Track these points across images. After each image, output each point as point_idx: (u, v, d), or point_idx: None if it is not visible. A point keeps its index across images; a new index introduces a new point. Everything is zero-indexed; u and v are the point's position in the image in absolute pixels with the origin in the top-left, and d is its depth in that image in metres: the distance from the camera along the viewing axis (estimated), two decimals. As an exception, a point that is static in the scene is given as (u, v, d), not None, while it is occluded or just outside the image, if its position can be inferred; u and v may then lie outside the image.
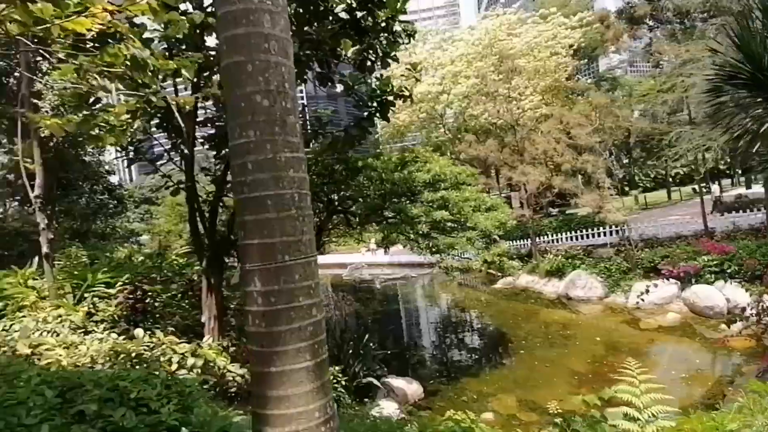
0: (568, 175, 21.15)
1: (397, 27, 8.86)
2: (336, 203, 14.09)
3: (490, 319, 18.69)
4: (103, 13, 3.60)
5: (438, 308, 23.08)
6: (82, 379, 2.89)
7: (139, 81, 4.12)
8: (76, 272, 12.01)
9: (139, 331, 6.91)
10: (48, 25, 3.40)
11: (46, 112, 12.76)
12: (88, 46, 4.07)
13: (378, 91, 8.90)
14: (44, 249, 10.64)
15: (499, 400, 10.37)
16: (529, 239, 22.86)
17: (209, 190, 10.36)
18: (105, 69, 3.87)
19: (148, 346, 6.96)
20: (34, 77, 9.69)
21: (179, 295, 11.60)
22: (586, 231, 22.18)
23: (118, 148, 8.94)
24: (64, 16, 3.47)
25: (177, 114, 9.07)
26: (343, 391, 8.20)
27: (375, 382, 9.01)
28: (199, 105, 9.16)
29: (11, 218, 21.95)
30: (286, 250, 1.83)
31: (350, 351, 9.39)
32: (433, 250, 11.10)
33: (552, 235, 23.09)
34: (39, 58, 12.59)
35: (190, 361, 6.84)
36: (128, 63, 3.89)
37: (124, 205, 21.47)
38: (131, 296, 10.29)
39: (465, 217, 12.18)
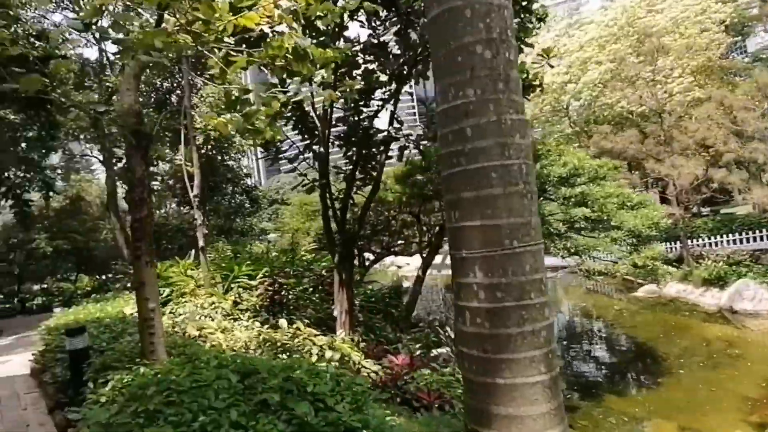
0: (730, 166, 17.92)
1: (536, 5, 8.14)
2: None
3: (632, 332, 16.56)
4: (270, 6, 3.62)
5: (564, 316, 21.22)
6: (258, 367, 2.88)
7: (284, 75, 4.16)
8: (223, 264, 13.30)
9: (283, 322, 7.21)
10: (223, 22, 3.51)
11: (201, 121, 14.37)
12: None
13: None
14: (200, 243, 11.91)
15: (657, 425, 8.99)
16: (677, 242, 19.90)
17: (339, 187, 10.59)
18: (270, 62, 3.88)
19: (288, 335, 7.26)
20: (191, 93, 10.81)
21: (310, 289, 12.15)
22: (753, 233, 18.64)
23: (261, 149, 9.56)
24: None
25: (312, 113, 9.46)
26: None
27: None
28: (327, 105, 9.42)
29: (172, 217, 25.51)
30: (514, 234, 1.49)
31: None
32: (571, 251, 10.02)
33: (708, 238, 19.81)
34: (195, 77, 14.17)
35: (328, 353, 6.92)
36: (289, 55, 3.88)
37: (259, 205, 23.53)
38: (270, 288, 11.00)
39: (608, 215, 10.84)
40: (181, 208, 24.87)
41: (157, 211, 28.78)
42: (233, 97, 5.45)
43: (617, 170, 13.56)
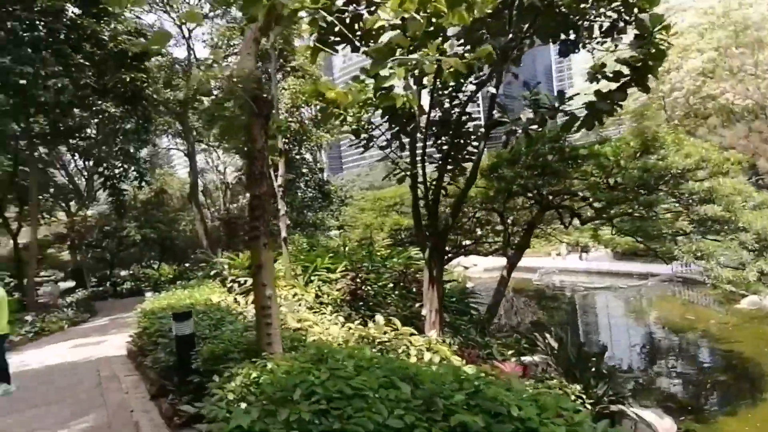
0: None
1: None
2: (550, 198, 12.56)
3: (742, 348, 14.59)
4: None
5: (659, 328, 19.26)
6: (417, 373, 2.33)
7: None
8: (302, 256, 13.20)
9: (379, 318, 6.72)
10: None
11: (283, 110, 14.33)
12: None
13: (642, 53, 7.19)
14: (283, 233, 11.82)
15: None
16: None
17: (430, 178, 9.98)
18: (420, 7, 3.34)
19: (384, 333, 6.76)
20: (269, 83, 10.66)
21: (391, 285, 11.69)
22: None
23: (352, 137, 9.19)
24: None
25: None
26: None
27: (628, 411, 7.35)
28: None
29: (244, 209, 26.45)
30: None
31: (592, 369, 7.90)
32: (696, 255, 8.74)
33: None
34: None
35: (427, 356, 6.33)
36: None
37: (330, 200, 23.60)
38: (352, 283, 10.65)
39: (735, 215, 9.42)
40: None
41: (232, 205, 29.89)
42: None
43: (740, 165, 11.90)
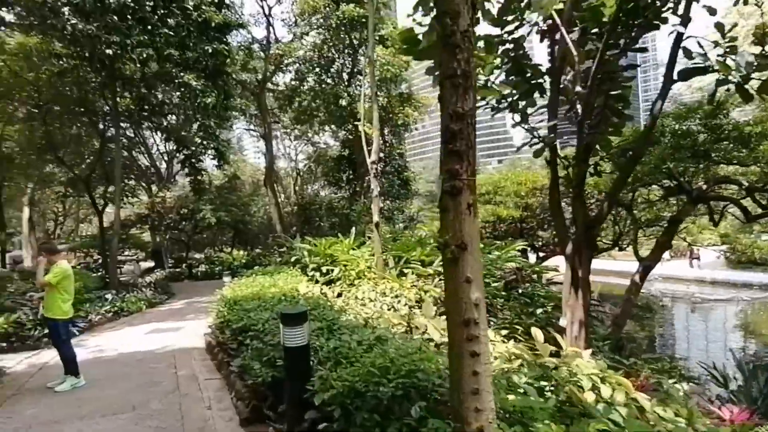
0: None
1: None
2: (704, 186, 10.06)
3: None
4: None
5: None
6: None
7: None
8: (389, 246, 11.68)
9: (537, 332, 4.93)
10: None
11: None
12: None
13: None
14: (375, 217, 10.30)
15: None
16: None
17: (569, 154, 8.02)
18: None
19: (540, 352, 4.96)
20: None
21: (502, 285, 9.82)
22: None
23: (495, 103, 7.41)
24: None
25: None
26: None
27: None
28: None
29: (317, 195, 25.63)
30: None
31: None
32: None
33: None
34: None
35: (605, 390, 4.45)
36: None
37: (409, 189, 22.03)
38: (458, 279, 8.91)
39: None
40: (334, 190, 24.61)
41: (305, 191, 29.24)
42: None
43: None
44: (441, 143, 2.09)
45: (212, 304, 8.84)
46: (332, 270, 10.18)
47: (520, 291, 9.91)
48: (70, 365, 5.96)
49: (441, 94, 2.08)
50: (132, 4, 12.33)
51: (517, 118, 7.09)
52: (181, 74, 13.16)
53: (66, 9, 11.80)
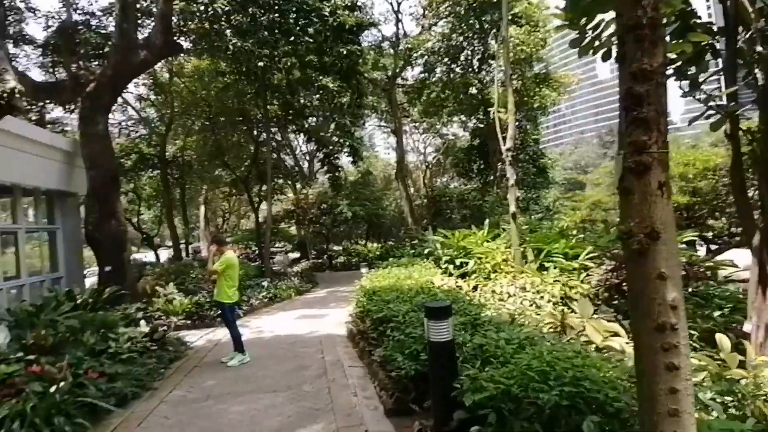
0: None
1: None
2: None
3: None
4: None
5: None
6: None
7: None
8: (526, 238, 10.95)
9: (723, 339, 4.07)
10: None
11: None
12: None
13: None
14: (511, 207, 9.72)
15: None
16: None
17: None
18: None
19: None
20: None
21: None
22: None
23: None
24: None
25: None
26: None
27: None
28: None
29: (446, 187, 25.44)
30: None
31: None
32: None
33: None
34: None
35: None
36: None
37: (546, 176, 20.55)
38: (612, 275, 7.94)
39: None
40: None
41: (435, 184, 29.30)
42: None
43: None
44: (621, 110, 1.72)
45: (352, 294, 9.30)
46: (466, 263, 9.91)
47: (690, 290, 8.47)
48: (237, 343, 6.77)
49: (620, 52, 1.71)
50: (278, 18, 13.58)
51: (686, 86, 5.94)
52: (320, 78, 14.11)
53: (228, 31, 13.50)
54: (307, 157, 30.18)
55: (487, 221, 12.32)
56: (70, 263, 11.29)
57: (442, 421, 3.12)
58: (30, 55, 14.49)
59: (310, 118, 19.76)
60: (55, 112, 17.53)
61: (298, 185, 26.76)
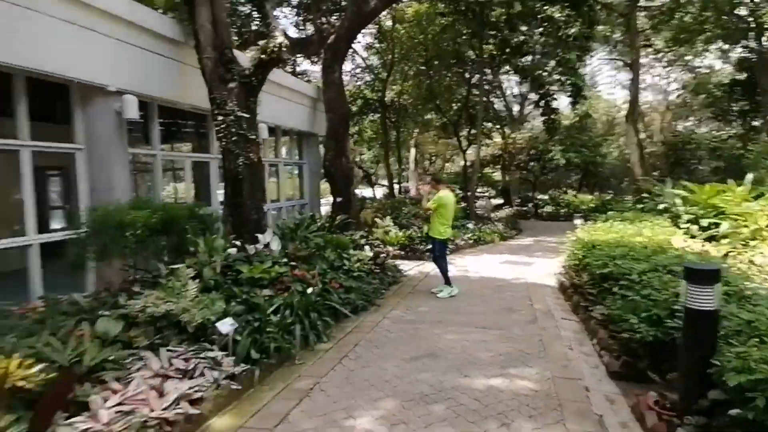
0: None
1: None
2: None
3: None
4: None
5: None
6: None
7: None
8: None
9: None
10: None
11: None
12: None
13: None
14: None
15: None
16: None
17: None
18: None
19: None
20: None
21: None
22: None
23: None
24: None
25: None
26: None
27: None
28: None
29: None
30: None
31: None
32: None
33: None
34: None
35: None
36: None
37: None
38: None
39: None
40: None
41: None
42: None
43: None
44: None
45: (562, 244, 8.70)
46: (717, 224, 8.12)
47: None
48: (445, 277, 7.18)
49: None
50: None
51: None
52: (544, 8, 12.79)
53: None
54: (518, 100, 28.61)
55: (749, 176, 9.70)
56: (312, 192, 13.60)
57: (690, 398, 2.68)
58: (287, 15, 17.15)
59: (527, 57, 18.49)
60: (303, 65, 20.65)
61: (507, 129, 25.76)
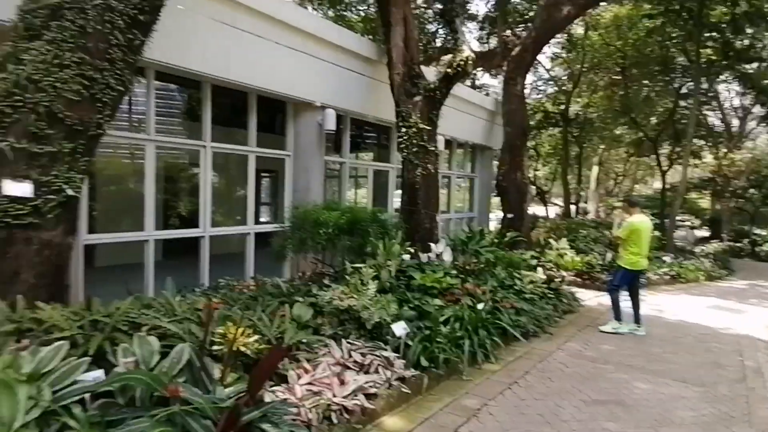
0: None
1: None
2: None
3: None
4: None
5: None
6: None
7: None
8: None
9: None
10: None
11: None
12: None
13: None
14: None
15: None
16: None
17: None
18: None
19: None
20: None
21: None
22: None
23: None
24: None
25: None
26: None
27: None
28: None
29: None
30: None
31: None
32: None
33: None
34: None
35: None
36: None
37: None
38: None
39: None
40: None
41: None
42: None
43: None
44: None
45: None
46: None
47: None
48: (615, 310, 6.27)
49: None
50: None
51: None
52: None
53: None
54: (739, 113, 23.52)
55: None
56: (481, 206, 13.39)
57: None
58: (471, 30, 17.33)
59: (753, 63, 15.26)
60: (483, 78, 20.58)
61: (722, 148, 21.40)
